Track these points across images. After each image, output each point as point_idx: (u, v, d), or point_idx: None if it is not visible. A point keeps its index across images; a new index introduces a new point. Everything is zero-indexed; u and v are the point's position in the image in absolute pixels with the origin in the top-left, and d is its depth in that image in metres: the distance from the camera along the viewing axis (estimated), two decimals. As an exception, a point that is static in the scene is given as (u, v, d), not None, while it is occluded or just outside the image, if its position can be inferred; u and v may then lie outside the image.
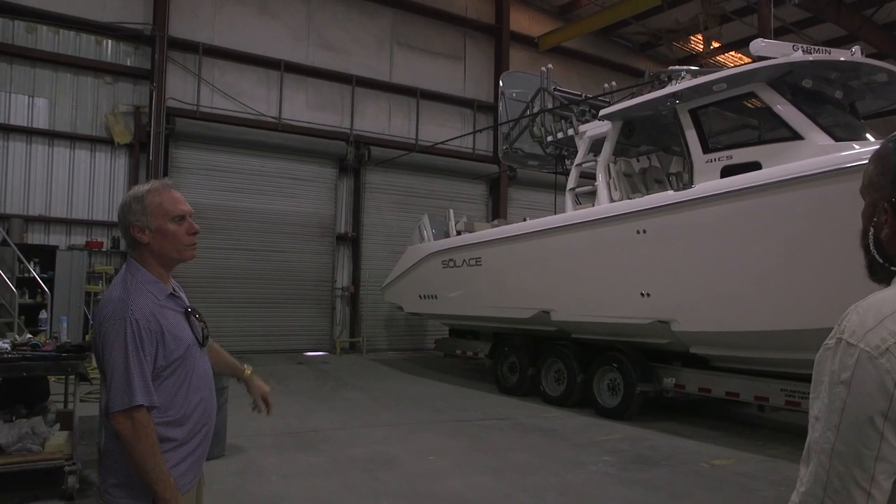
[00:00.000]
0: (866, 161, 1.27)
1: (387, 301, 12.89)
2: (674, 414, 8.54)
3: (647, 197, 7.77)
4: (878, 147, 1.25)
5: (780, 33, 14.89)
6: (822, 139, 6.74)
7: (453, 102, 16.31)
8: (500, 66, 16.79)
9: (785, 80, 7.27)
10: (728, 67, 8.74)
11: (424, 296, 11.25)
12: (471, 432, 7.41)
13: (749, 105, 7.57)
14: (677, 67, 8.73)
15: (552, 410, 8.72)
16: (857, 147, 6.48)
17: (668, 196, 7.33)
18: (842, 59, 7.14)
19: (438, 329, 14.35)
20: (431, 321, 14.16)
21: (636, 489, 5.45)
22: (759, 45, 7.57)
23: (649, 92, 9.12)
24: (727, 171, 7.33)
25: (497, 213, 16.35)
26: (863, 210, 1.23)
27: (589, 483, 5.59)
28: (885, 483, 1.01)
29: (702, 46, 19.80)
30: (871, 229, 1.20)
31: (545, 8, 18.25)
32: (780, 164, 6.72)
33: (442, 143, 14.58)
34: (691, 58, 20.90)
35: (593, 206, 8.93)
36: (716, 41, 19.04)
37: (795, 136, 6.93)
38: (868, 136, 7.19)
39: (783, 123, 7.10)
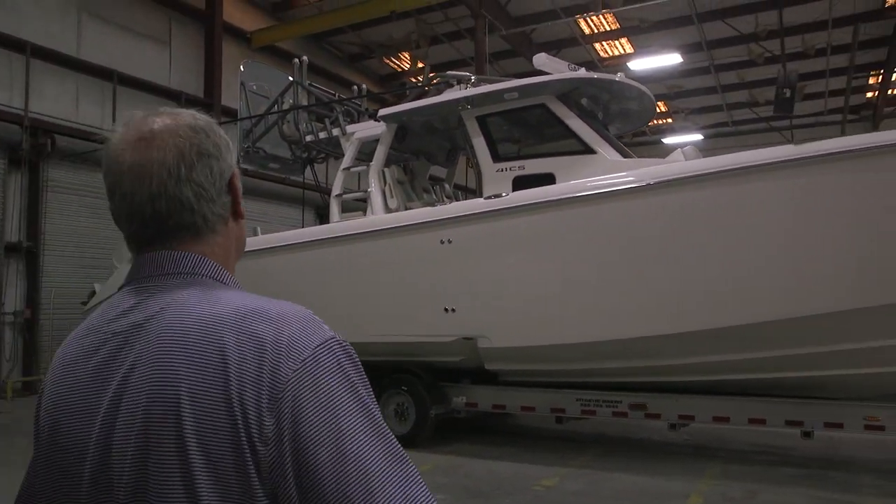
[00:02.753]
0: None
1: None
2: (456, 434, 8.14)
3: (453, 204, 7.31)
4: None
5: (479, 61, 15.84)
6: (613, 154, 6.97)
7: (158, 93, 13.94)
8: (212, 57, 15.01)
9: (570, 95, 7.43)
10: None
11: (149, 319, 9.16)
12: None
13: (539, 117, 7.56)
14: (458, 73, 8.45)
15: (331, 445, 7.63)
16: (644, 164, 6.80)
17: (479, 204, 6.91)
18: (621, 80, 7.53)
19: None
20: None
21: (504, 531, 4.83)
22: (542, 60, 7.67)
23: (419, 95, 8.75)
24: (520, 182, 7.19)
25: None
26: None
27: (451, 532, 4.81)
28: None
29: (408, 65, 20.36)
30: None
31: (258, 2, 16.88)
32: (575, 176, 6.77)
33: (147, 137, 12.26)
34: (396, 75, 21.41)
35: (365, 214, 8.18)
36: (421, 61, 19.68)
37: (588, 150, 7.06)
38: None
39: (575, 137, 7.19)
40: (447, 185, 9.82)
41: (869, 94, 23.05)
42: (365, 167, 8.31)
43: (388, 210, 7.89)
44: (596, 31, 18.52)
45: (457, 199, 9.06)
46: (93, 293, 10.40)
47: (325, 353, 0.85)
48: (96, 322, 0.96)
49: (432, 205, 8.18)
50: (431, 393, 7.50)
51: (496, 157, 7.45)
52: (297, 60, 9.66)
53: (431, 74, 9.00)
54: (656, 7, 15.61)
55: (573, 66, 7.77)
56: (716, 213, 5.95)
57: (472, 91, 7.63)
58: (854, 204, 5.51)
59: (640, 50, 18.79)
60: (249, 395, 0.81)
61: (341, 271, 7.67)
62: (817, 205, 5.60)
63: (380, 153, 8.23)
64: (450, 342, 7.04)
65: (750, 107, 22.71)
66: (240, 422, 0.80)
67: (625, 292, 6.23)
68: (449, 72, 8.64)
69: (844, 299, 5.52)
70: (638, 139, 24.74)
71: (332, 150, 9.47)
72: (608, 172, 6.60)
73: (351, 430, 0.81)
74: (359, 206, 9.02)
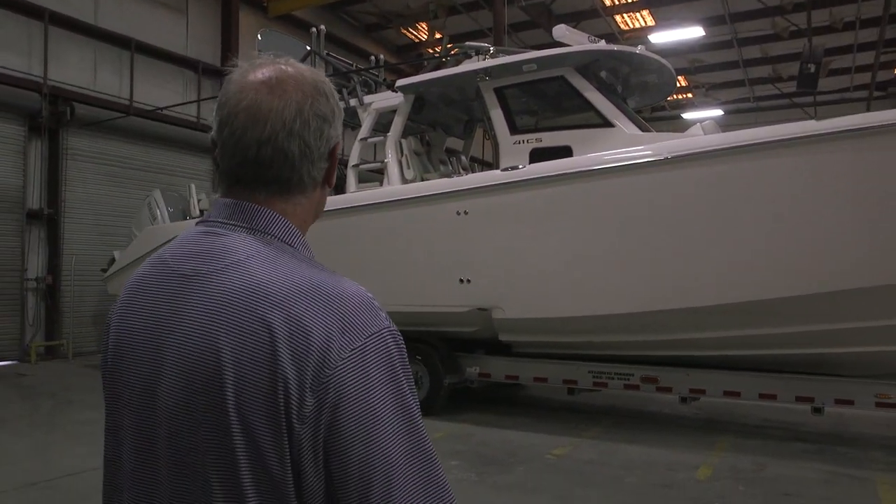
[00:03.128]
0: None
1: (112, 293, 10.49)
2: (470, 404, 8.25)
3: (470, 176, 7.30)
4: None
5: (498, 32, 15.64)
6: (631, 128, 6.93)
7: (175, 61, 13.98)
8: (229, 26, 14.96)
9: (589, 67, 7.36)
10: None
11: (168, 287, 9.30)
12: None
13: (558, 89, 7.51)
14: (476, 44, 8.39)
15: (346, 412, 7.77)
16: (662, 138, 6.75)
17: (496, 176, 6.93)
18: (641, 53, 7.46)
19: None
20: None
21: (517, 495, 4.92)
22: (561, 31, 7.59)
23: (437, 66, 8.73)
24: (536, 154, 7.18)
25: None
26: None
27: (462, 495, 4.90)
28: None
29: (425, 35, 20.17)
30: None
31: (275, -30, 16.75)
32: (592, 149, 6.74)
33: (166, 108, 12.36)
34: (413, 45, 21.25)
35: (381, 185, 8.23)
36: (438, 32, 19.46)
37: (606, 123, 7.02)
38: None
39: (593, 110, 7.14)
40: (463, 157, 9.80)
41: (897, 70, 22.54)
42: (382, 138, 8.33)
43: (404, 181, 7.93)
44: (616, 2, 18.21)
45: (473, 172, 9.07)
46: (112, 260, 10.58)
47: (377, 343, 0.86)
48: (169, 255, 0.98)
49: (449, 176, 8.18)
50: (445, 363, 7.58)
51: (514, 130, 7.44)
52: (314, 30, 9.62)
53: (450, 45, 8.94)
54: (679, -22, 15.33)
55: (593, 38, 7.66)
56: (734, 189, 5.91)
57: (490, 62, 7.60)
58: (876, 180, 5.45)
59: (662, 22, 18.46)
60: (294, 372, 0.82)
61: (356, 241, 7.71)
62: (838, 181, 5.55)
63: (397, 124, 8.24)
64: (464, 313, 7.10)
65: (772, 82, 22.32)
66: (281, 396, 0.82)
67: (640, 266, 6.23)
68: (467, 42, 8.58)
69: (864, 276, 5.49)
70: (657, 114, 24.44)
71: (349, 120, 9.48)
72: (626, 146, 6.57)
73: (386, 427, 0.83)
74: (375, 177, 9.06)
